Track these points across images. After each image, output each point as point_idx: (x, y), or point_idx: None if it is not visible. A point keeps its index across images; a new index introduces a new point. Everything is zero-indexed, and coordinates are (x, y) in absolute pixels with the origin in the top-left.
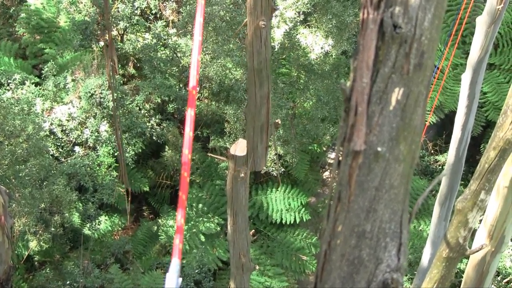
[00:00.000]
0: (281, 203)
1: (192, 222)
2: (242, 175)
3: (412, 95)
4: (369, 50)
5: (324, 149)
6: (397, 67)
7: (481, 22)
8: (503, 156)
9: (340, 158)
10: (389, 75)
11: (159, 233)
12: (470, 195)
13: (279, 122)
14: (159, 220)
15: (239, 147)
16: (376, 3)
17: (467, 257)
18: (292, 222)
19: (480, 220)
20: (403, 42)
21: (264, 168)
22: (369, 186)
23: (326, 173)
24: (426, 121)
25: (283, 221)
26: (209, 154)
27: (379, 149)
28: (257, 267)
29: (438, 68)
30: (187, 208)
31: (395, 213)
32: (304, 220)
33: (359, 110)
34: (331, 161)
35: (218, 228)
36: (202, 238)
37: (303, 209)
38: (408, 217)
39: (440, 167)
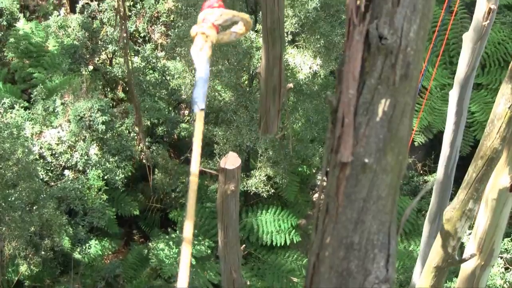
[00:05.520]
0: (271, 225)
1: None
2: (233, 188)
3: (399, 106)
4: (355, 61)
5: (314, 170)
6: (383, 78)
7: (468, 39)
8: (490, 165)
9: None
10: (376, 86)
11: (149, 257)
12: (458, 205)
13: (292, 86)
14: (150, 244)
15: (229, 161)
16: (361, 15)
17: (456, 275)
18: (282, 244)
19: (469, 233)
20: (389, 53)
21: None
22: (357, 198)
23: (316, 195)
24: (415, 141)
25: (274, 243)
26: (202, 168)
27: (366, 160)
28: (248, 282)
29: (424, 88)
30: (177, 232)
31: (383, 224)
32: (295, 242)
33: (346, 121)
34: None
35: (209, 251)
36: (193, 261)
37: (294, 231)
38: (396, 228)
39: (430, 187)
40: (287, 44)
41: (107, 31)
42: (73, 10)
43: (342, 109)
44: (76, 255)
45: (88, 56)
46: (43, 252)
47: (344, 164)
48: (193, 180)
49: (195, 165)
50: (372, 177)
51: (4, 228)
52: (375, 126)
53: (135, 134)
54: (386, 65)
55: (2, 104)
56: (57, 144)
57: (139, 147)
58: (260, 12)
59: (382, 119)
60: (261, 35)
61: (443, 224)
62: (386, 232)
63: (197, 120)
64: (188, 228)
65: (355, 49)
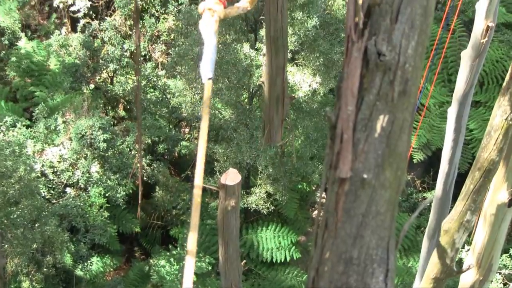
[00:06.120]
0: (271, 242)
1: (183, 262)
2: (233, 204)
3: (397, 122)
4: (353, 78)
5: (314, 187)
6: (381, 94)
7: (466, 56)
8: (488, 176)
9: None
10: (374, 102)
11: (150, 273)
12: (456, 216)
13: (295, 96)
14: (151, 261)
15: (230, 177)
16: (360, 31)
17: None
18: (282, 261)
19: (467, 246)
20: (387, 70)
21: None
22: (356, 213)
23: (316, 212)
24: (414, 158)
25: (274, 260)
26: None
27: (365, 176)
28: None
29: (422, 105)
30: (178, 248)
31: (382, 239)
32: (295, 258)
33: (345, 137)
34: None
35: (210, 267)
36: (194, 277)
37: (293, 247)
38: (395, 243)
39: (428, 204)
40: (287, 62)
41: (108, 50)
42: (74, 29)
43: (341, 125)
44: (78, 272)
45: (89, 75)
46: (45, 269)
47: (343, 179)
48: (197, 193)
49: (199, 175)
50: (371, 192)
51: (6, 245)
52: (373, 142)
53: (136, 152)
54: (385, 81)
55: (4, 123)
56: (59, 162)
57: (137, 165)
58: (260, 31)
59: (381, 135)
60: (260, 53)
61: (442, 235)
62: (385, 247)
63: (205, 89)
64: (192, 238)
65: (353, 65)
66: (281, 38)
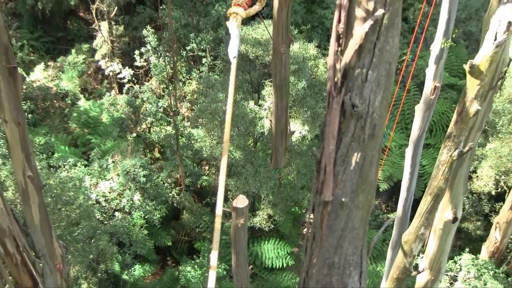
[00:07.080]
0: (272, 252)
1: (204, 269)
2: (242, 222)
3: (368, 158)
4: (334, 124)
5: (304, 211)
6: (355, 136)
7: (419, 109)
8: (437, 199)
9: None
10: (350, 143)
11: (180, 277)
12: (413, 230)
13: (295, 131)
14: (180, 267)
15: (239, 201)
16: (338, 89)
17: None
18: (280, 267)
19: (421, 254)
20: (360, 118)
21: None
22: (336, 228)
23: (306, 229)
24: (380, 188)
25: (274, 266)
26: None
27: (343, 199)
28: None
29: (385, 146)
30: (201, 258)
31: (356, 248)
32: (290, 265)
33: (328, 170)
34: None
35: (225, 272)
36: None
37: (289, 256)
38: (367, 251)
39: (392, 222)
40: None
41: (146, 107)
42: (120, 92)
43: (325, 161)
44: (124, 276)
45: (132, 126)
46: (99, 274)
47: (326, 202)
48: (218, 221)
49: (220, 206)
50: (348, 212)
51: (69, 256)
52: (350, 173)
53: (168, 184)
54: (357, 127)
55: (68, 163)
56: (109, 192)
57: (172, 194)
58: (262, 92)
59: (355, 168)
60: (262, 108)
61: (402, 245)
62: (359, 254)
63: (232, 66)
64: (214, 256)
65: (334, 115)
66: (284, 86)
